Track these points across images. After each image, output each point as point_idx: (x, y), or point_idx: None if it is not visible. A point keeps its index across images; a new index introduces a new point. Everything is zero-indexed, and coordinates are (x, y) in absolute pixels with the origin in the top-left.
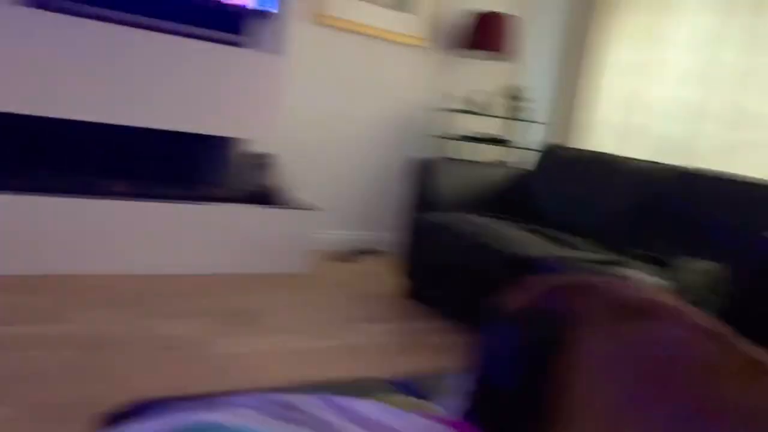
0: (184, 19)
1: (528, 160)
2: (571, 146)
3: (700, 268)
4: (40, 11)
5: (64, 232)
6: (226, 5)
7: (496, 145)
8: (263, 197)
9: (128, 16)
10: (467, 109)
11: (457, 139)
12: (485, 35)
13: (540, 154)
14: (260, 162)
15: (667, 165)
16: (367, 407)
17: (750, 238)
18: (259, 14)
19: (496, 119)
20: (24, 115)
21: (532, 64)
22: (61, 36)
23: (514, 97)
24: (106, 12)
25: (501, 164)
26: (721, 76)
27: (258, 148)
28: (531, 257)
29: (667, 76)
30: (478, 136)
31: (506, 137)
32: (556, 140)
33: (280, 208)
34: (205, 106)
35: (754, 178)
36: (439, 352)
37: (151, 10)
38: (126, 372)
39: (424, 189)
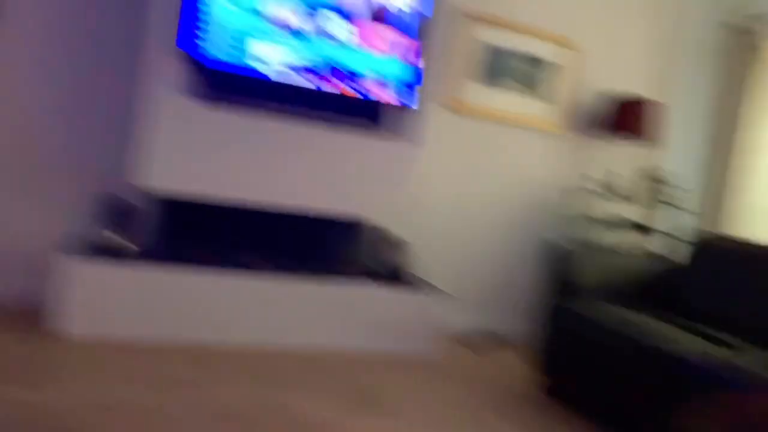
0: (330, 108)
1: (672, 249)
2: (725, 235)
3: None
4: (212, 107)
5: (205, 304)
6: (372, 100)
7: (638, 232)
8: (393, 278)
9: (284, 108)
10: (605, 192)
11: (596, 224)
12: (623, 119)
13: (693, 244)
14: (393, 244)
15: None
16: None
17: None
18: (402, 107)
19: (637, 205)
20: (185, 195)
21: (676, 148)
22: (225, 127)
23: (657, 181)
24: (267, 105)
25: (645, 253)
26: None
27: (392, 230)
28: (687, 358)
29: None
30: (618, 221)
31: (648, 224)
32: (703, 227)
33: (409, 289)
34: (344, 190)
35: None
36: None
37: (302, 102)
38: None
39: (561, 276)
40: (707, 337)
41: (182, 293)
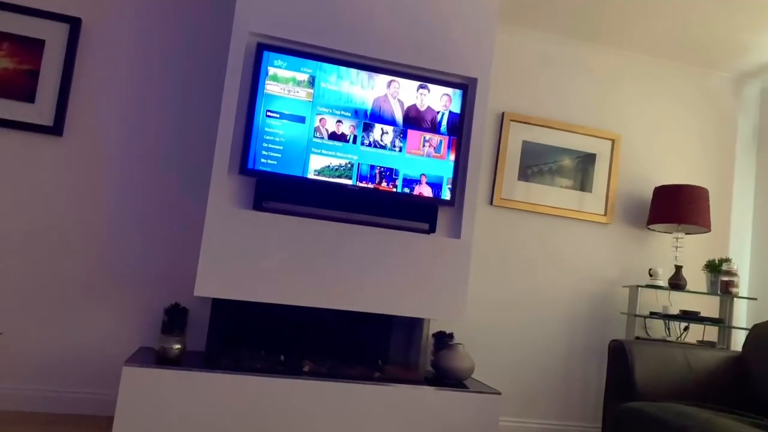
0: (377, 211)
1: (739, 341)
2: None
3: None
4: (259, 212)
5: (269, 410)
6: (420, 200)
7: (699, 323)
8: (449, 380)
9: (326, 212)
10: (663, 285)
11: (653, 317)
12: (674, 207)
13: (752, 332)
14: (445, 343)
15: None
16: None
17: None
18: (443, 202)
19: (698, 295)
20: (239, 301)
21: (737, 236)
22: (273, 232)
23: (719, 270)
24: (309, 210)
25: (708, 345)
26: None
27: (444, 328)
28: None
29: None
30: (678, 314)
31: (710, 315)
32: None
33: (465, 391)
34: (395, 288)
35: None
36: None
37: (348, 206)
38: None
39: (619, 374)
40: None
41: (246, 401)
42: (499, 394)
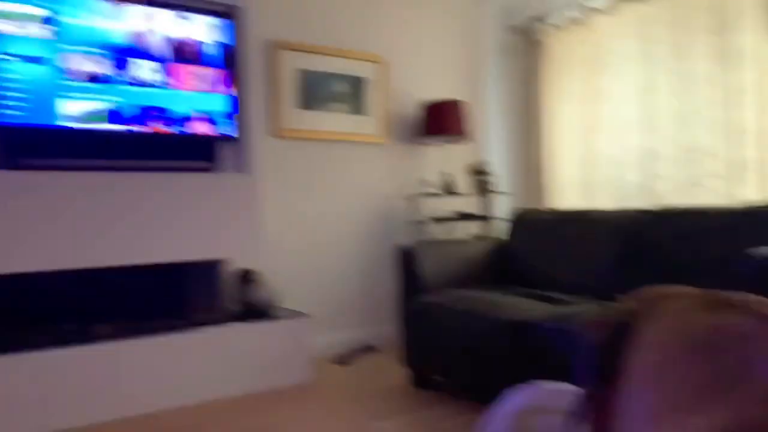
0: (151, 154)
1: (505, 231)
2: (534, 208)
3: None
4: (13, 172)
5: (61, 386)
6: (195, 137)
7: (471, 221)
8: (255, 314)
9: (98, 162)
10: (438, 191)
11: (432, 222)
12: (440, 122)
13: (511, 221)
14: (247, 279)
15: (634, 209)
16: None
17: (728, 260)
18: (224, 139)
19: (468, 197)
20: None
21: (492, 141)
22: (34, 191)
23: (479, 173)
24: (77, 162)
25: (479, 238)
26: (662, 119)
27: (242, 265)
28: (529, 320)
29: (618, 128)
30: (453, 215)
31: (480, 212)
32: (525, 206)
33: (272, 321)
34: (184, 233)
35: (714, 206)
36: None
37: (117, 152)
38: None
39: (410, 275)
40: (544, 299)
41: (32, 380)
42: (306, 315)
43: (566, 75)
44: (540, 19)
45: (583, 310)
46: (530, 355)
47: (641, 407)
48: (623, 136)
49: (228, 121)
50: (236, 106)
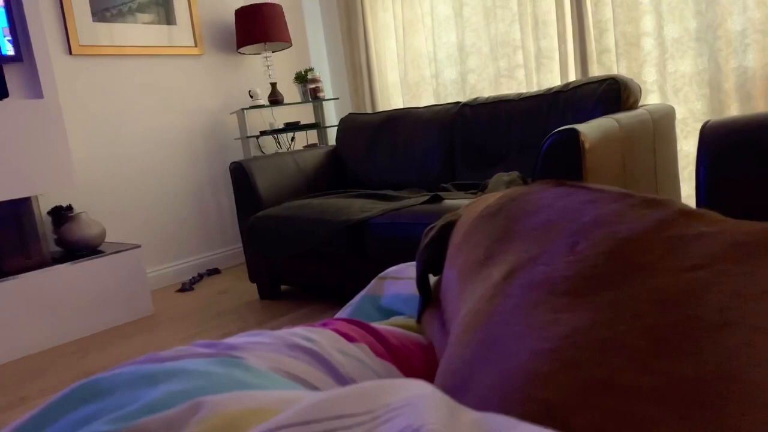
0: None
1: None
2: (356, 112)
3: (504, 180)
4: None
5: None
6: None
7: (301, 131)
8: (80, 252)
9: None
10: (264, 103)
11: (263, 135)
12: (258, 27)
13: (339, 127)
14: (62, 216)
15: (450, 104)
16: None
17: (534, 143)
18: (5, 59)
19: (295, 106)
20: None
21: (314, 46)
22: None
23: (306, 80)
24: None
25: (310, 147)
26: (472, 16)
27: (58, 201)
28: (364, 218)
29: (434, 26)
30: (282, 126)
31: (308, 121)
32: (354, 111)
33: (102, 257)
34: None
35: (524, 93)
36: None
37: None
38: None
39: (244, 192)
40: (378, 198)
41: None
42: (139, 246)
43: None
44: None
45: (412, 202)
46: (367, 251)
47: (453, 275)
48: (439, 34)
49: (10, 39)
50: (19, 22)
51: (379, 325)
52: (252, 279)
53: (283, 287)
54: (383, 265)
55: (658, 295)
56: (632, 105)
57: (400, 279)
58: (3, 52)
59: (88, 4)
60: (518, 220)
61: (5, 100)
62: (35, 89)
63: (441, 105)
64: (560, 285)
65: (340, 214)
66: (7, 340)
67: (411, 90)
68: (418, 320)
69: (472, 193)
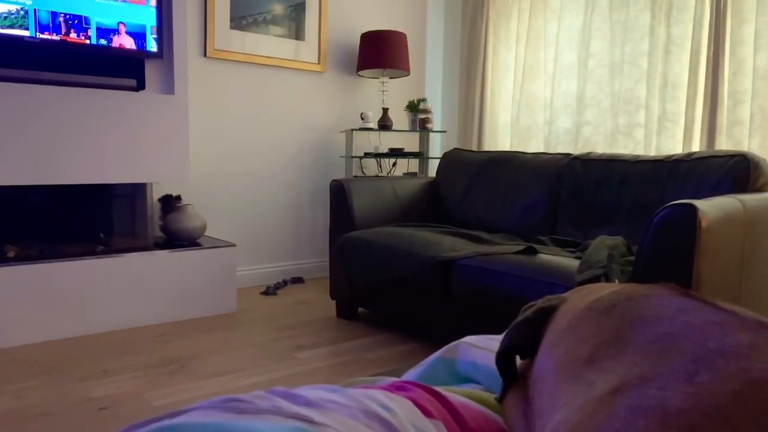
0: (73, 68)
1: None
2: (462, 149)
3: (605, 244)
4: None
5: None
6: (114, 49)
7: (404, 158)
8: (180, 241)
9: (13, 72)
10: (374, 126)
11: (367, 157)
12: (379, 53)
13: (443, 160)
14: (172, 205)
15: (562, 154)
16: (309, 391)
17: (646, 210)
18: (150, 56)
19: (402, 133)
20: None
21: (430, 77)
22: None
23: (417, 110)
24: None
25: (410, 175)
26: (597, 67)
27: (167, 191)
28: (453, 257)
29: (554, 73)
30: (388, 151)
31: (412, 150)
32: (459, 146)
33: (199, 249)
34: (107, 155)
35: (637, 156)
36: (379, 365)
37: (35, 63)
38: None
39: (340, 210)
40: (470, 238)
41: None
42: (234, 245)
43: (509, 16)
44: None
45: (505, 249)
46: (451, 290)
47: (550, 365)
48: (559, 81)
49: (155, 37)
50: (166, 23)
51: (456, 396)
52: (332, 296)
53: (360, 310)
54: (465, 306)
55: None
56: (761, 187)
57: (480, 348)
58: (148, 49)
59: (229, 11)
60: (633, 327)
61: (141, 92)
62: (168, 85)
63: (551, 154)
64: (674, 418)
65: (430, 249)
66: (99, 314)
67: (521, 134)
68: (500, 400)
69: (569, 251)
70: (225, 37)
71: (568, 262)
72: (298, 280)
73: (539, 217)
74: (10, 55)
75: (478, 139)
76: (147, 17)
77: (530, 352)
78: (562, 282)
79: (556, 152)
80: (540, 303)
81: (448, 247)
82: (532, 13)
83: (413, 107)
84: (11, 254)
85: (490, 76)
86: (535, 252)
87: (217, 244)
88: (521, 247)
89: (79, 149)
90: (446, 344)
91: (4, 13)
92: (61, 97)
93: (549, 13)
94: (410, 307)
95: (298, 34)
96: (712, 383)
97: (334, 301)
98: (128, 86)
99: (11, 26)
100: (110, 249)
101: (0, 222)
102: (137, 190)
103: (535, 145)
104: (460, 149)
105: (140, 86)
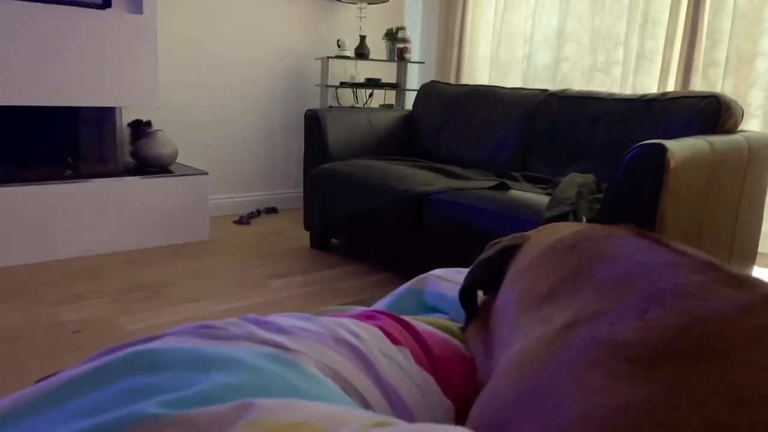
0: None
1: (412, 101)
2: (439, 81)
3: (576, 181)
4: None
5: None
6: None
7: (381, 89)
8: (151, 167)
9: None
10: (350, 55)
11: (343, 87)
12: None
13: (419, 92)
14: (141, 131)
15: (540, 90)
16: (281, 318)
17: (617, 149)
18: None
19: (379, 63)
20: None
21: (410, 5)
22: None
23: (396, 38)
24: None
25: (386, 107)
26: (579, 3)
27: (139, 116)
28: (426, 191)
29: (533, 5)
30: (362, 81)
31: (389, 81)
32: (437, 78)
33: (171, 176)
34: (72, 76)
35: (616, 94)
36: (350, 295)
37: None
38: (37, 362)
39: (315, 141)
40: (443, 173)
41: None
42: (206, 173)
43: None
44: None
45: (478, 185)
46: (423, 224)
47: (510, 299)
48: (540, 15)
49: None
50: None
51: (423, 324)
52: (306, 227)
53: (333, 240)
54: (435, 239)
55: (731, 389)
56: (730, 128)
57: (447, 281)
58: None
59: None
60: (591, 265)
61: (107, 11)
62: (136, 4)
63: (527, 89)
64: (623, 350)
65: (403, 182)
66: (69, 239)
67: (500, 67)
68: (463, 330)
69: (541, 188)
70: None
71: (538, 198)
72: (272, 210)
73: (512, 153)
74: None
75: (456, 72)
76: None
77: (493, 287)
78: (531, 218)
79: (533, 88)
80: (505, 241)
81: (421, 181)
82: None
83: (391, 36)
84: None
85: (471, 5)
86: (506, 188)
87: (189, 172)
88: (493, 183)
89: (41, 69)
90: (416, 276)
91: None
92: (21, 13)
93: None
94: (382, 239)
95: None
96: (660, 319)
97: (307, 232)
98: (93, 3)
99: None
100: (79, 174)
101: None
102: (106, 114)
103: (513, 80)
104: (437, 81)
105: (106, 4)
